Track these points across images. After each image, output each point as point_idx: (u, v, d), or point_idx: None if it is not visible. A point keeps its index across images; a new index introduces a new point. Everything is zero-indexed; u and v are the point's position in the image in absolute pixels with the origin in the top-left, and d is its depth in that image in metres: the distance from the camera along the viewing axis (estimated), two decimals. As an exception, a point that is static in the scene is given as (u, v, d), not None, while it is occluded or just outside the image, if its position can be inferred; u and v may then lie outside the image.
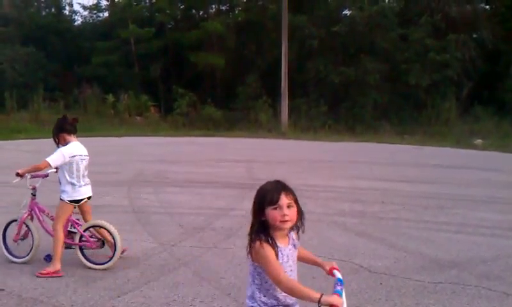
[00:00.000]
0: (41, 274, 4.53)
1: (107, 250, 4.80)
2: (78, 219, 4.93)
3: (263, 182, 2.17)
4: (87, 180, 4.84)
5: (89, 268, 4.74)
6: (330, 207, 7.60)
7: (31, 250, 4.89)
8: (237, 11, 33.57)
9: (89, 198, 4.89)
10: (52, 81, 31.47)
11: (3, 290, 4.30)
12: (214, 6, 33.90)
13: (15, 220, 4.98)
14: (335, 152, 15.73)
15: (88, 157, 4.87)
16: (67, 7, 40.69)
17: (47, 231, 4.86)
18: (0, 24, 32.39)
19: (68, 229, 4.84)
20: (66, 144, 4.73)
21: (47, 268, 4.59)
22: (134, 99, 27.12)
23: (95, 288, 4.29)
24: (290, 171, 11.15)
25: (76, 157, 4.70)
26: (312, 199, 7.93)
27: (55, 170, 4.74)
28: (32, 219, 4.93)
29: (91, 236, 4.86)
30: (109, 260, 4.74)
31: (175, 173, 10.99)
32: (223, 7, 34.19)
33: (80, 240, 4.82)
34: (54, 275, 4.56)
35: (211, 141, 19.35)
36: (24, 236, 4.97)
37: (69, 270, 4.69)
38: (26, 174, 4.71)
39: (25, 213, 4.92)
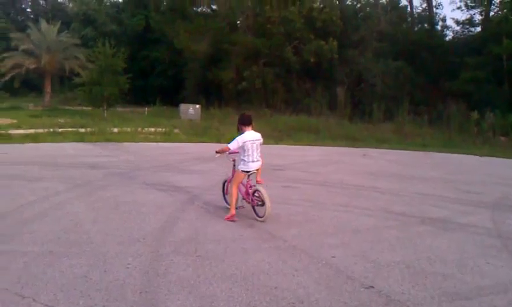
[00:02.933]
0: (225, 218, 7.05)
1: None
2: (252, 185, 7.26)
3: None
4: (257, 157, 7.05)
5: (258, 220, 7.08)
6: None
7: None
8: None
9: (257, 170, 7.13)
10: (417, 95, 33.17)
11: (372, 287, 4.78)
12: None
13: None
14: None
15: (259, 140, 7.08)
16: (440, 23, 42.05)
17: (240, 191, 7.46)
18: (377, 40, 36.15)
19: (250, 190, 7.22)
20: (243, 133, 7.01)
21: (227, 215, 7.11)
22: (499, 118, 25.96)
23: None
24: None
25: (247, 142, 6.94)
26: None
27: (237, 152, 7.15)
28: None
29: (256, 197, 7.11)
30: (262, 216, 7.00)
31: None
32: None
33: (251, 200, 7.20)
34: (230, 219, 7.01)
35: None
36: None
37: (433, 284, 4.96)
38: (224, 153, 7.20)
39: (230, 177, 7.56)
